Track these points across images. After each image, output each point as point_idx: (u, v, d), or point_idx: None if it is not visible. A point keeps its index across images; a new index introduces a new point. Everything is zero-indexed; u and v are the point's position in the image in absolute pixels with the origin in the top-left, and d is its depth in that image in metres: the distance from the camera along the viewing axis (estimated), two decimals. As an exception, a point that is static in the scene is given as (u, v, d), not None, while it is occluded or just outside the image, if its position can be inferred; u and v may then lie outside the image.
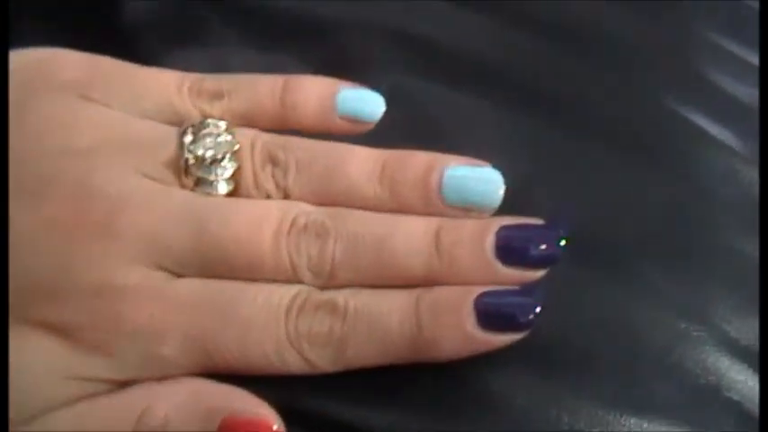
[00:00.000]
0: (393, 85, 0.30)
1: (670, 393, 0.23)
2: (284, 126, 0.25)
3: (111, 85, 0.24)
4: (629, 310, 0.25)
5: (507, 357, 0.23)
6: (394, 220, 0.22)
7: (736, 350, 0.24)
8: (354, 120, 0.25)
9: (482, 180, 0.23)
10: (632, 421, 0.22)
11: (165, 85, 0.25)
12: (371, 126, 0.25)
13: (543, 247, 0.22)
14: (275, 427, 0.20)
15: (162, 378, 0.21)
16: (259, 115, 0.25)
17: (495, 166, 0.23)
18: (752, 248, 0.27)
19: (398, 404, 0.22)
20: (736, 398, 0.24)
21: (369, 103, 0.25)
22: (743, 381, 0.24)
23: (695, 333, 0.24)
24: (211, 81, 0.25)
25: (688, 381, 0.23)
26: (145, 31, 0.34)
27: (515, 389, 0.22)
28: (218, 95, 0.25)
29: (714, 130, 0.29)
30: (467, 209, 0.23)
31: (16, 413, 0.20)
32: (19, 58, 0.24)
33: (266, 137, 0.24)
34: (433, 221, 0.22)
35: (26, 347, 0.20)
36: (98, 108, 0.24)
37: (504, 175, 0.24)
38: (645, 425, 0.22)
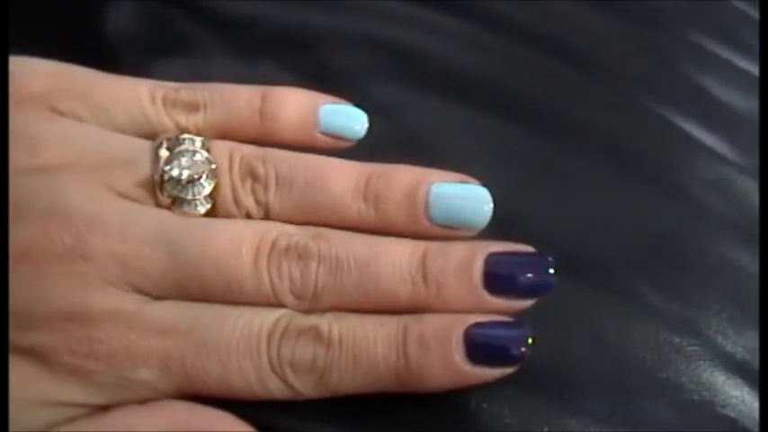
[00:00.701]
0: (375, 95, 0.30)
1: (663, 410, 0.23)
2: (263, 139, 0.24)
3: (81, 97, 0.23)
4: (619, 326, 0.24)
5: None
6: (379, 243, 0.22)
7: (731, 365, 0.24)
8: (337, 136, 0.24)
9: (469, 198, 0.22)
10: (624, 439, 0.22)
11: (138, 95, 0.24)
12: (353, 143, 0.25)
13: (531, 275, 0.21)
14: None
15: (142, 401, 0.21)
16: (237, 128, 0.24)
17: (483, 184, 0.23)
18: (746, 260, 0.26)
19: (384, 425, 0.22)
20: (731, 414, 0.23)
21: (351, 120, 0.25)
22: (738, 396, 0.23)
23: (689, 348, 0.24)
24: (186, 91, 0.24)
25: (681, 397, 0.23)
26: (127, 41, 0.33)
27: (503, 407, 0.22)
28: (193, 107, 0.24)
29: (704, 137, 0.29)
30: (454, 227, 0.22)
31: None
32: None
33: (245, 149, 0.23)
34: (420, 246, 0.22)
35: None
36: (68, 123, 0.23)
37: (489, 188, 0.23)
38: (637, 442, 0.22)
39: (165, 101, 0.24)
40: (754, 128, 0.30)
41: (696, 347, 0.24)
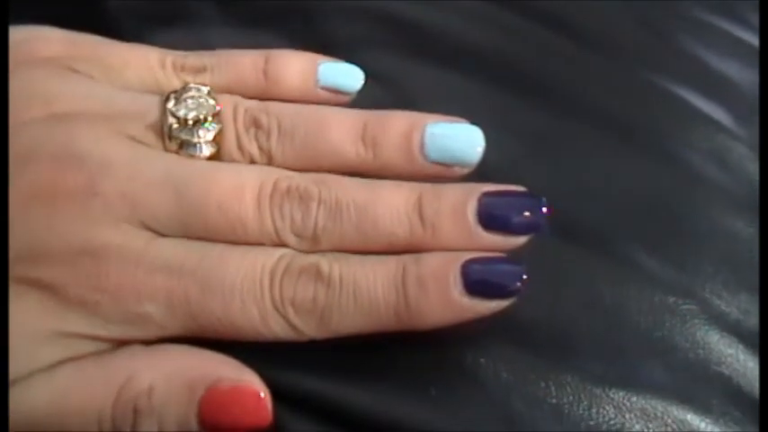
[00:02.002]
0: (373, 64, 0.30)
1: (657, 368, 0.23)
2: (266, 98, 0.25)
3: (95, 59, 0.24)
4: (614, 288, 0.24)
5: (492, 334, 0.23)
6: (377, 187, 0.22)
7: (725, 324, 0.24)
8: (335, 90, 0.26)
9: (462, 136, 0.23)
10: (620, 394, 0.22)
11: (148, 59, 0.25)
12: (352, 97, 0.26)
13: (525, 213, 0.22)
14: (261, 395, 0.20)
15: (147, 342, 0.21)
16: (241, 87, 0.25)
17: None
18: (740, 226, 0.27)
19: (383, 381, 0.22)
20: (726, 372, 0.23)
21: (349, 76, 0.26)
22: (732, 355, 0.23)
23: (684, 307, 0.24)
24: (194, 57, 0.26)
25: (676, 356, 0.23)
26: (128, 11, 0.33)
27: (500, 363, 0.22)
28: (200, 69, 0.25)
29: (702, 105, 0.29)
30: (449, 165, 0.23)
31: None
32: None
33: (249, 102, 0.24)
34: (416, 189, 0.22)
35: (11, 303, 0.20)
36: (82, 79, 0.24)
37: (488, 155, 0.24)
38: (633, 398, 0.22)
39: (173, 65, 0.25)
40: (752, 98, 0.30)
41: (691, 307, 0.24)
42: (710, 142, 0.28)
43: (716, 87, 0.29)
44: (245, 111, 0.23)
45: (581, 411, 0.22)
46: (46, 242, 0.20)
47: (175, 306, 0.20)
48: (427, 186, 0.22)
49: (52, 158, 0.21)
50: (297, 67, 0.25)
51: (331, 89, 0.26)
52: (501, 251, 0.21)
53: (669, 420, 0.22)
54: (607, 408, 0.22)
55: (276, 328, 0.21)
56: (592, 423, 0.22)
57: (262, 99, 0.25)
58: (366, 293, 0.21)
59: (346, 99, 0.26)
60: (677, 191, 0.27)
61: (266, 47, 0.30)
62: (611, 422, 0.22)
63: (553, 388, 0.22)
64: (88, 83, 0.24)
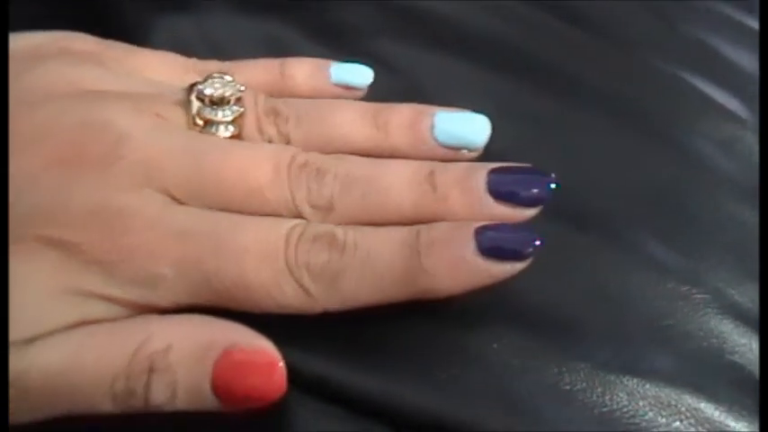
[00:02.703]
0: (381, 52, 0.30)
1: (670, 355, 0.22)
2: (283, 95, 0.26)
3: (124, 60, 0.26)
4: (622, 275, 0.24)
5: (500, 320, 0.23)
6: (389, 162, 0.23)
7: (738, 314, 0.24)
8: (347, 86, 0.27)
9: (470, 121, 0.25)
10: (633, 381, 0.22)
11: (174, 63, 0.27)
12: (363, 92, 0.28)
13: (533, 184, 0.22)
14: (279, 364, 0.20)
15: (163, 312, 0.21)
16: (260, 83, 0.26)
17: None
18: (748, 215, 0.26)
19: (390, 365, 0.21)
20: (739, 361, 0.23)
21: (359, 74, 0.28)
22: (746, 344, 0.23)
23: (697, 296, 0.24)
24: (215, 63, 0.28)
25: (689, 343, 0.23)
26: (132, -1, 0.33)
27: (510, 349, 0.22)
28: (222, 71, 0.26)
29: (714, 94, 0.29)
30: (457, 148, 0.24)
31: (14, 333, 0.19)
32: (33, 36, 0.25)
33: (267, 97, 0.25)
34: (426, 163, 0.23)
35: (25, 262, 0.20)
36: (109, 70, 0.25)
37: (495, 141, 0.24)
38: (646, 386, 0.22)
39: (195, 67, 0.27)
40: (762, 87, 0.30)
41: (703, 296, 0.24)
42: (721, 131, 0.28)
43: (727, 76, 0.29)
44: (265, 100, 0.25)
45: (594, 398, 0.21)
46: (65, 202, 0.20)
47: (189, 267, 0.20)
48: (437, 162, 0.23)
49: (77, 125, 0.21)
50: (310, 66, 0.28)
51: (343, 86, 0.27)
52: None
53: (682, 408, 0.22)
54: (620, 395, 0.21)
55: (289, 292, 0.20)
56: (605, 410, 0.21)
57: (278, 95, 0.26)
58: (380, 257, 0.21)
59: (359, 94, 0.28)
60: (687, 179, 0.26)
61: (275, 35, 0.31)
62: (624, 409, 0.21)
63: (566, 374, 0.21)
64: (115, 74, 0.25)
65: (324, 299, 0.21)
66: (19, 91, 0.22)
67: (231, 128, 0.23)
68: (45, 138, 0.21)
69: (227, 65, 0.27)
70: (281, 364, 0.20)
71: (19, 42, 0.25)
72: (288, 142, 0.24)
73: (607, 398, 0.21)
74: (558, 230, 0.24)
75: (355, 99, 0.27)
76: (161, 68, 0.27)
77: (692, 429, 0.21)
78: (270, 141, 0.24)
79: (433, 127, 0.24)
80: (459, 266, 0.20)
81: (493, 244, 0.20)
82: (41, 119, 0.22)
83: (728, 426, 0.22)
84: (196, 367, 0.20)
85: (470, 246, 0.20)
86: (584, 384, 0.21)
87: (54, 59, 0.24)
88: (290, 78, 0.27)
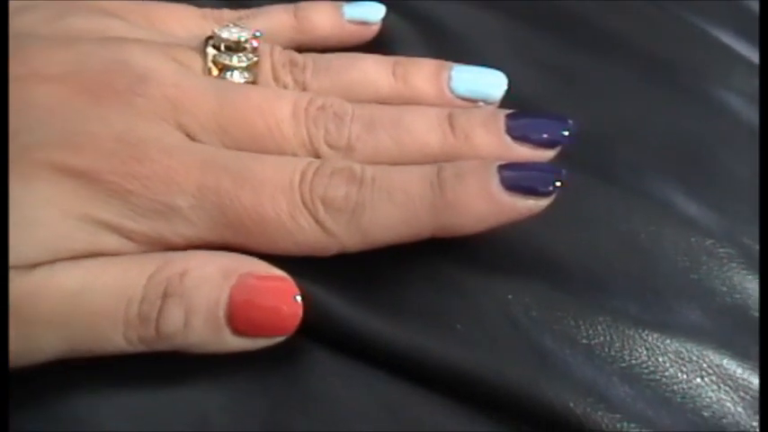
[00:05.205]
0: (411, 3, 0.29)
1: (694, 310, 0.22)
2: (299, 36, 0.27)
3: (145, 13, 0.27)
4: (650, 228, 0.23)
5: (522, 272, 0.22)
6: (407, 106, 0.23)
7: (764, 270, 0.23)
8: (362, 22, 0.28)
9: (487, 74, 0.25)
10: (654, 336, 0.21)
11: (189, 14, 0.27)
12: (378, 27, 0.28)
13: (551, 129, 0.22)
14: (297, 295, 0.20)
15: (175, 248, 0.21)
16: (276, 28, 0.27)
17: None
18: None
19: (408, 315, 0.21)
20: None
21: (371, 9, 0.28)
22: (772, 301, 0.22)
23: (722, 250, 0.23)
24: (230, 12, 0.28)
25: (713, 298, 0.22)
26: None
27: (531, 301, 0.21)
28: (237, 19, 0.27)
29: (742, 49, 0.28)
30: (474, 99, 0.24)
31: (20, 256, 0.19)
32: None
33: (284, 48, 0.25)
34: (446, 108, 0.23)
35: (41, 187, 0.20)
36: (132, 23, 0.25)
37: (519, 91, 0.24)
38: (667, 341, 0.21)
39: (211, 15, 0.27)
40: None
41: (729, 251, 0.23)
42: (750, 85, 0.27)
43: (756, 32, 0.28)
44: (281, 51, 0.25)
45: (613, 353, 0.21)
46: (85, 131, 0.20)
47: (206, 198, 0.20)
48: (456, 108, 0.23)
49: (102, 63, 0.22)
50: (323, 7, 0.28)
51: (357, 21, 0.27)
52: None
53: (704, 365, 0.21)
54: (640, 350, 0.21)
55: (305, 226, 0.20)
56: (624, 365, 0.21)
57: (295, 35, 0.27)
58: (400, 190, 0.20)
59: (373, 30, 0.28)
60: (717, 134, 0.26)
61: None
62: (644, 364, 0.21)
63: (585, 328, 0.21)
64: (138, 25, 0.25)
65: (341, 234, 0.20)
66: (49, 34, 0.23)
67: (246, 74, 0.23)
68: (71, 74, 0.21)
69: (242, 13, 0.27)
70: (299, 296, 0.20)
71: None
72: (305, 90, 0.24)
73: (626, 353, 0.21)
74: (584, 181, 0.23)
75: (370, 36, 0.28)
76: (178, 20, 0.27)
77: (715, 386, 0.21)
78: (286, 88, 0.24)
79: (450, 79, 0.24)
80: (482, 199, 0.20)
81: (517, 178, 0.20)
82: (68, 57, 0.22)
83: (752, 383, 0.21)
84: (212, 292, 0.19)
85: (495, 179, 0.20)
86: (603, 338, 0.21)
87: (83, 10, 0.25)
88: (305, 20, 0.27)
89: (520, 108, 0.23)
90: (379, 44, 0.27)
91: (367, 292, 0.21)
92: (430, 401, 0.20)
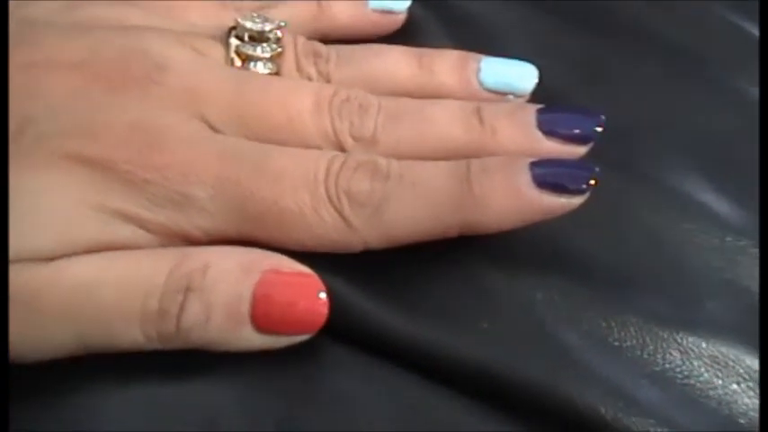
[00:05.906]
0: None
1: (729, 311, 0.21)
2: (322, 26, 0.26)
3: (158, 1, 0.25)
4: (680, 225, 0.22)
5: (549, 269, 0.21)
6: (433, 99, 0.22)
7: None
8: (386, 11, 0.26)
9: (516, 67, 0.24)
10: (689, 339, 0.20)
11: (208, 3, 0.26)
12: (403, 17, 0.26)
13: (583, 125, 0.21)
14: (323, 292, 0.19)
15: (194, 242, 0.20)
16: (299, 18, 0.26)
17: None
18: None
19: (432, 312, 0.20)
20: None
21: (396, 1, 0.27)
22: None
23: (754, 250, 0.22)
24: (250, 2, 0.27)
25: (749, 299, 0.21)
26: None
27: (558, 300, 0.20)
28: (259, 8, 0.26)
29: None
30: (503, 92, 0.23)
31: (34, 247, 0.18)
32: None
33: (308, 39, 0.24)
34: (473, 101, 0.22)
35: (56, 176, 0.19)
36: (146, 12, 0.24)
37: (545, 83, 0.23)
38: (702, 344, 0.20)
39: (232, 5, 0.26)
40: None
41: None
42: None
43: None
44: (304, 42, 0.24)
45: (645, 356, 0.20)
46: (101, 119, 0.20)
47: (224, 189, 0.19)
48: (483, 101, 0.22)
49: (119, 51, 0.21)
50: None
51: (381, 11, 0.26)
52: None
53: (741, 370, 0.20)
54: (674, 353, 0.20)
55: (328, 220, 0.19)
56: (657, 369, 0.20)
57: (318, 25, 0.26)
58: (426, 185, 0.19)
59: (399, 19, 0.26)
60: (747, 131, 0.25)
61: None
62: (678, 369, 0.20)
63: (615, 328, 0.20)
64: (157, 14, 0.24)
65: (365, 230, 0.19)
66: (66, 22, 0.22)
67: (270, 65, 0.23)
68: (86, 61, 0.20)
69: (262, 3, 0.26)
70: (324, 293, 0.19)
71: None
72: (328, 81, 0.23)
73: (659, 356, 0.20)
74: (611, 176, 0.22)
75: (395, 26, 0.26)
76: (197, 10, 0.26)
77: (752, 393, 0.20)
78: (309, 80, 0.23)
79: (479, 71, 0.23)
80: (512, 196, 0.19)
81: (549, 175, 0.19)
82: (85, 44, 0.21)
83: (790, 389, 0.20)
84: (235, 286, 0.18)
85: (526, 176, 0.19)
86: (635, 341, 0.20)
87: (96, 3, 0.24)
88: (327, 8, 0.26)
89: (547, 102, 0.22)
90: (403, 35, 0.26)
91: (388, 289, 0.20)
92: (450, 400, 0.19)
